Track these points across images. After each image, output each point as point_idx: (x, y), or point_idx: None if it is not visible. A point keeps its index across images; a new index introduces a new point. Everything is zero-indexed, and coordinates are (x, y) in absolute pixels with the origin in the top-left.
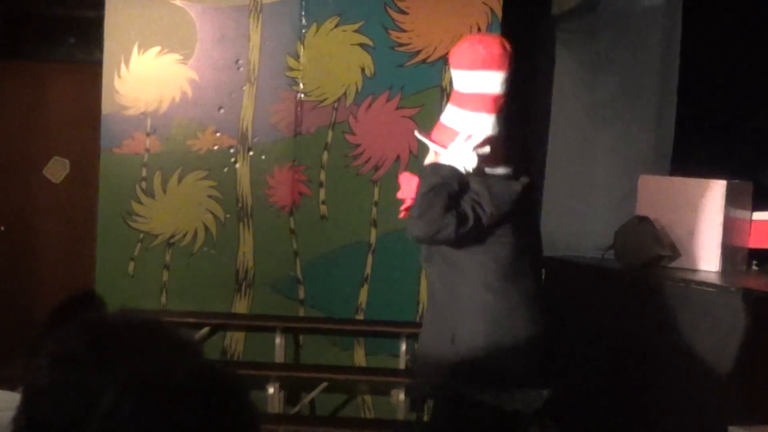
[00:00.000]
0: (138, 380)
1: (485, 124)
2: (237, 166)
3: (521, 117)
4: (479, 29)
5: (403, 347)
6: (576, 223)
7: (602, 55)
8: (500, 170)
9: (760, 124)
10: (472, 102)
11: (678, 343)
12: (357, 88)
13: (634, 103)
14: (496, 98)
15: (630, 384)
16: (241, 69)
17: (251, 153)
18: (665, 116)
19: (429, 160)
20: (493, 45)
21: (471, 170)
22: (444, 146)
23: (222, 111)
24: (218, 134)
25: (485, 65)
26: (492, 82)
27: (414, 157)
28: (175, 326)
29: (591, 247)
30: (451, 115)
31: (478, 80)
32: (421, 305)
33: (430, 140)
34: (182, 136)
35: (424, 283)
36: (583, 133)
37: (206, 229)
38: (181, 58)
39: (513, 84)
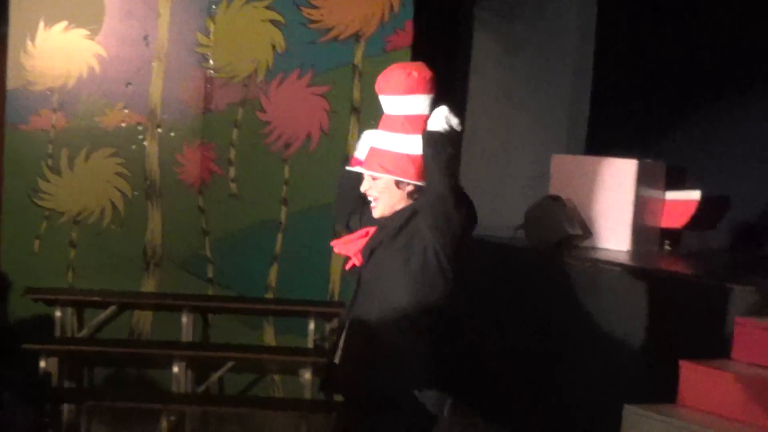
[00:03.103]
0: None
1: (418, 145)
2: (145, 143)
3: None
4: (392, 6)
5: (312, 326)
6: (491, 203)
7: (519, 36)
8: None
9: (673, 104)
10: (406, 125)
11: (584, 321)
12: (268, 65)
13: (550, 84)
14: (426, 119)
15: (539, 360)
16: (150, 45)
17: (160, 130)
18: (580, 97)
19: (371, 185)
20: (423, 69)
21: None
22: (386, 170)
23: (130, 87)
24: (126, 111)
25: (419, 89)
26: (423, 103)
27: (325, 135)
28: None
29: (504, 226)
30: (384, 139)
31: (411, 103)
32: (331, 284)
33: (376, 169)
34: (90, 113)
35: (334, 261)
36: (500, 113)
37: (114, 206)
38: (89, 33)
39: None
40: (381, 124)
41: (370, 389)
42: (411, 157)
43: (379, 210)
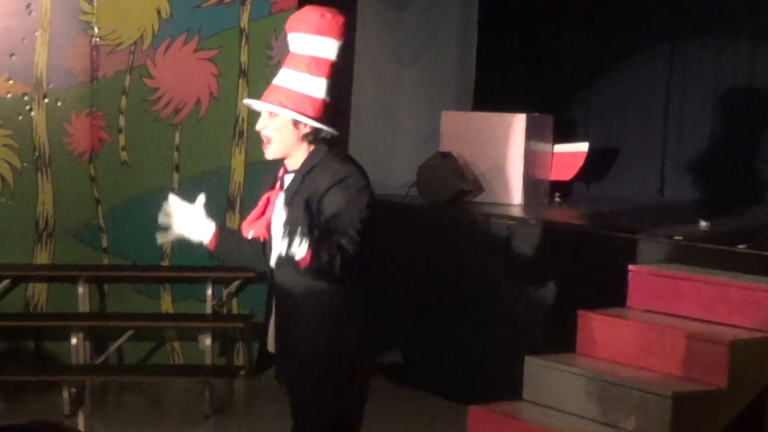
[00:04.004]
0: None
1: (321, 88)
2: (32, 113)
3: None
4: None
5: (210, 292)
6: (382, 161)
7: None
8: (327, 129)
9: (560, 58)
10: (312, 66)
11: (481, 276)
12: (153, 31)
13: (436, 41)
14: (332, 64)
15: (440, 317)
16: (33, 14)
17: (47, 100)
18: (466, 53)
19: (267, 124)
20: (337, 14)
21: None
22: (285, 106)
23: (14, 57)
24: (11, 82)
25: (330, 32)
26: (332, 47)
27: (215, 99)
28: None
29: (397, 185)
30: (287, 77)
31: (320, 45)
32: None
33: (275, 104)
34: None
35: (228, 225)
36: (388, 72)
37: (2, 179)
38: None
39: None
40: (286, 62)
41: (310, 352)
42: (312, 99)
43: (272, 151)
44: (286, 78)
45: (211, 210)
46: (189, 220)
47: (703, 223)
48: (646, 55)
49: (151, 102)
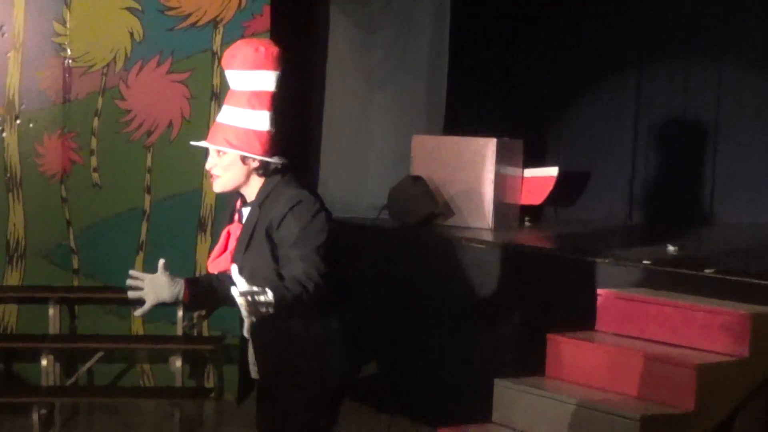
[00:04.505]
0: None
1: (264, 121)
2: (4, 134)
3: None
4: None
5: (180, 313)
6: (353, 185)
7: (376, 16)
8: (276, 160)
9: (530, 83)
10: (253, 100)
11: (452, 298)
12: (126, 53)
13: (408, 64)
14: (273, 95)
15: (411, 339)
16: (6, 35)
17: (18, 121)
18: (437, 76)
19: (216, 162)
20: (270, 46)
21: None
22: (231, 144)
23: None
24: None
25: (266, 65)
26: (270, 80)
27: (187, 122)
28: None
29: (368, 207)
30: (230, 114)
31: (258, 79)
32: (197, 271)
33: (222, 143)
34: None
35: (200, 247)
36: (359, 95)
37: None
38: None
39: (283, 82)
40: (227, 99)
41: (297, 373)
42: (257, 133)
43: (219, 185)
44: (229, 115)
45: (183, 232)
46: (157, 287)
47: (670, 248)
48: (615, 80)
49: (124, 123)
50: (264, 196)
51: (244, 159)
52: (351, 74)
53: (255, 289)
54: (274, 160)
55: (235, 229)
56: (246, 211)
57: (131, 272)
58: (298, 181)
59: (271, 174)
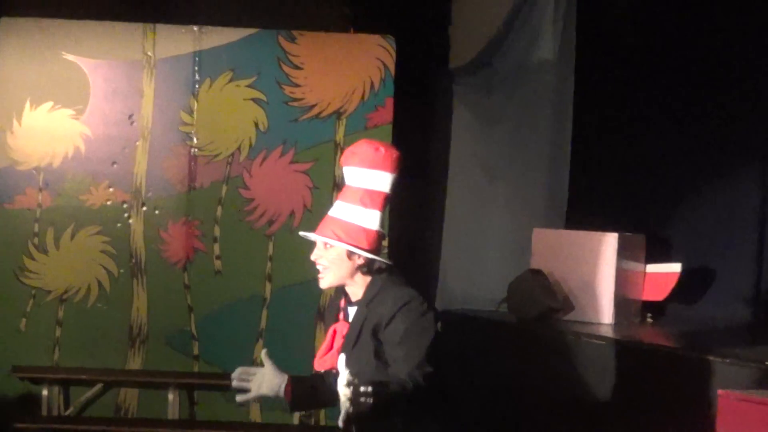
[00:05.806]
0: None
1: (374, 220)
2: (130, 221)
3: (420, 170)
4: (372, 84)
5: None
6: (472, 277)
7: (497, 109)
8: (381, 259)
9: (653, 176)
10: (366, 198)
11: (571, 395)
12: (251, 143)
13: (529, 157)
14: (386, 196)
15: None
16: (134, 124)
17: (145, 208)
18: (559, 169)
19: (322, 254)
20: (391, 148)
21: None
22: (340, 238)
23: (115, 166)
24: (111, 189)
25: (384, 166)
26: (386, 180)
27: (309, 212)
28: None
29: (487, 300)
30: (341, 209)
31: (374, 178)
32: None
33: (330, 236)
34: (75, 191)
35: (318, 336)
36: (479, 187)
37: (99, 284)
38: (74, 113)
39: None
40: (340, 194)
41: None
42: (365, 230)
43: (326, 281)
44: (340, 210)
45: (302, 320)
46: (263, 379)
47: None
48: (738, 172)
49: (246, 212)
50: (372, 295)
51: (350, 255)
52: (472, 165)
53: (357, 381)
54: (379, 259)
55: (341, 328)
56: (352, 310)
57: (237, 369)
58: (404, 281)
59: (375, 273)
